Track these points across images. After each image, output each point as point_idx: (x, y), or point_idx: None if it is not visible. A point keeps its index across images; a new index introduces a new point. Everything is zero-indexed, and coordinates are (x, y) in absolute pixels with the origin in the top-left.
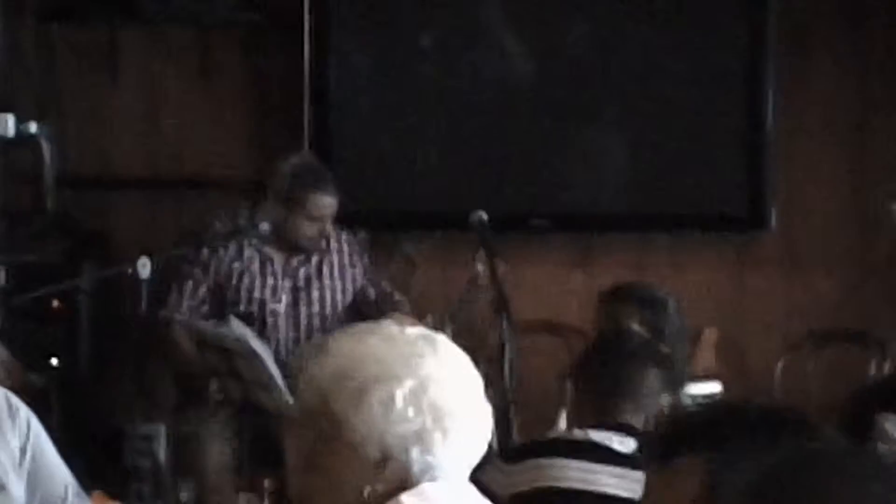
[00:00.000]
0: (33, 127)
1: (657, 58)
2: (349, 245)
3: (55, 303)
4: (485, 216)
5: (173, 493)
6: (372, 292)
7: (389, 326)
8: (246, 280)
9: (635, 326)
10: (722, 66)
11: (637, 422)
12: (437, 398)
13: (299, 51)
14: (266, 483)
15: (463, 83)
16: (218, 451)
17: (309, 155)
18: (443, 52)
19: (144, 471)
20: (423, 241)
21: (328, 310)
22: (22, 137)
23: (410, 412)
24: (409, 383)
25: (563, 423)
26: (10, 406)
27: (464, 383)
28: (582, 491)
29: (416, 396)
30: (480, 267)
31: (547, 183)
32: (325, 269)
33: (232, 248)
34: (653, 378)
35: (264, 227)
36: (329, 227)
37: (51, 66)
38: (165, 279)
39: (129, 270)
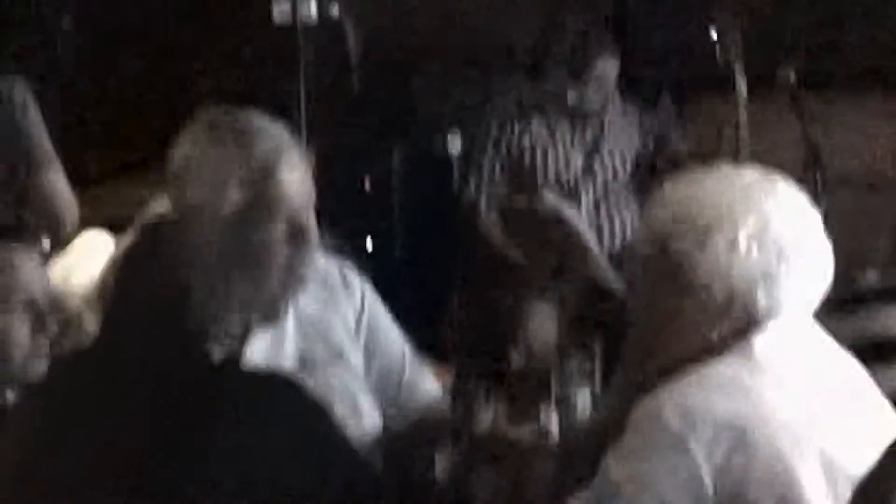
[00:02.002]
0: (335, 9)
1: None
2: (624, 108)
3: (367, 184)
4: (792, 74)
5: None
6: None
7: (724, 169)
8: (539, 152)
9: None
10: None
11: None
12: (780, 237)
13: None
14: (595, 345)
15: None
16: (540, 318)
17: (588, 17)
18: None
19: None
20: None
21: (621, 169)
22: (324, 21)
23: (755, 251)
24: (751, 223)
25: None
26: (343, 277)
27: (804, 221)
28: None
29: (759, 235)
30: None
31: (852, 34)
32: (608, 130)
33: (518, 120)
34: None
35: (571, 98)
36: (612, 91)
37: None
38: (461, 162)
39: (441, 147)
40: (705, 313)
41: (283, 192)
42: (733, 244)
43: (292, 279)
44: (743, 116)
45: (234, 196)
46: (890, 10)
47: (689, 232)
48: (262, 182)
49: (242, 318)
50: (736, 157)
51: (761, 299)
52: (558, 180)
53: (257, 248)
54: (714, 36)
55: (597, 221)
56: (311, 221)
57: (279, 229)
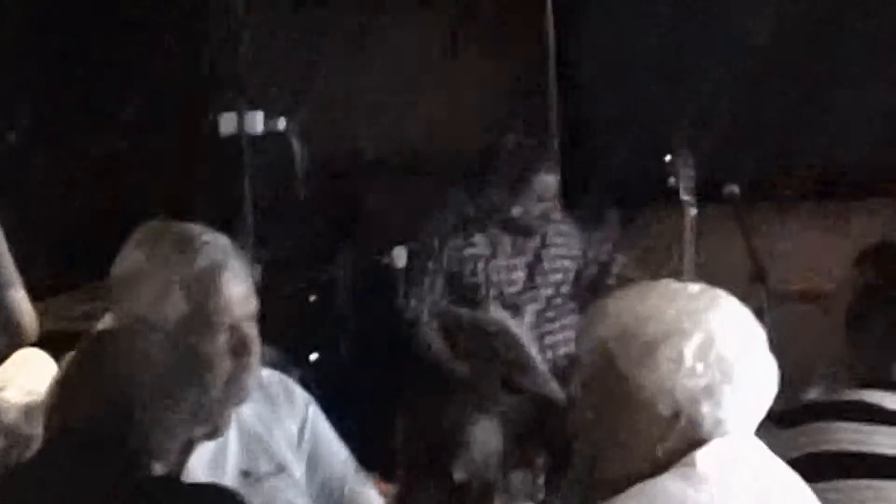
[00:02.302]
0: (281, 123)
1: None
2: (566, 224)
3: (312, 296)
4: (737, 189)
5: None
6: (602, 272)
7: (669, 284)
8: (480, 265)
9: None
10: None
11: None
12: (725, 352)
13: (544, 27)
14: (539, 459)
15: (706, 54)
16: (484, 432)
17: (531, 135)
18: (684, 24)
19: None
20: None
21: (563, 282)
22: (271, 133)
23: (699, 367)
24: (696, 338)
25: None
26: (286, 389)
27: (749, 337)
28: (856, 453)
29: (703, 351)
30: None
31: (799, 149)
32: (550, 243)
33: (461, 235)
34: None
35: (514, 213)
36: (554, 205)
37: (299, 56)
38: (405, 276)
39: (386, 260)
40: (650, 428)
41: (226, 304)
42: (678, 360)
43: (235, 392)
44: (690, 233)
45: (177, 308)
46: (829, 124)
47: (635, 347)
48: (204, 294)
49: (184, 431)
50: (681, 272)
51: (706, 415)
52: (501, 293)
53: (199, 360)
54: (668, 156)
55: (539, 334)
56: (253, 333)
57: (221, 341)
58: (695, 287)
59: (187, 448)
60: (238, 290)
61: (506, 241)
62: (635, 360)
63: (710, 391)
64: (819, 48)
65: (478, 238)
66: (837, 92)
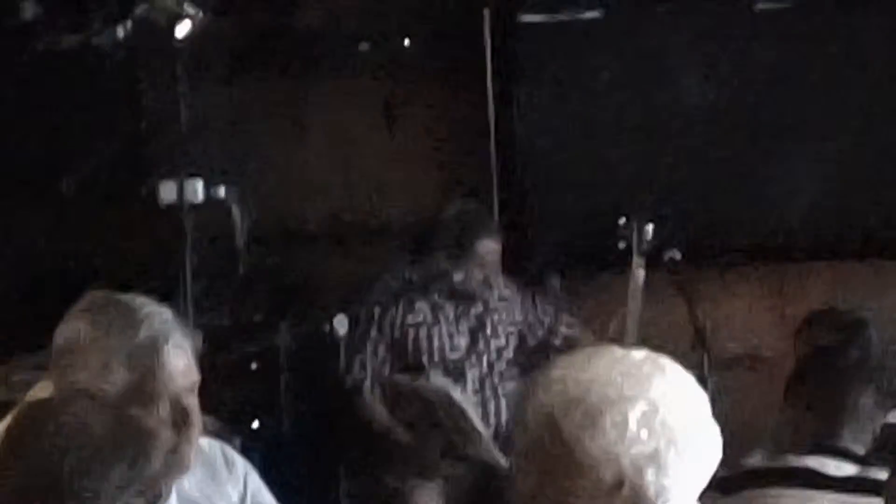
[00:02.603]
0: (222, 191)
1: (846, 80)
2: (509, 289)
3: (253, 364)
4: (678, 254)
5: None
6: (549, 334)
7: (614, 350)
8: (423, 332)
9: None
10: None
11: (854, 445)
12: (669, 419)
13: (483, 97)
14: None
15: (645, 121)
16: (427, 498)
17: (472, 201)
18: (626, 84)
19: None
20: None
21: (506, 347)
22: (211, 202)
23: (643, 434)
24: (640, 405)
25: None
26: (225, 458)
27: (693, 404)
28: None
29: (647, 418)
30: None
31: (738, 216)
32: (493, 309)
33: (403, 302)
34: (869, 398)
35: (456, 279)
36: (496, 270)
37: (238, 124)
38: (347, 344)
39: (327, 328)
40: (594, 496)
41: (168, 377)
42: (622, 427)
43: (176, 463)
44: (637, 297)
45: (118, 379)
46: (767, 191)
47: (578, 414)
48: (146, 366)
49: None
50: (624, 339)
51: (650, 483)
52: (444, 359)
53: (140, 432)
54: (622, 220)
55: (482, 399)
56: (194, 404)
57: (163, 413)
58: (639, 353)
59: None
60: (180, 362)
61: (448, 307)
62: (579, 426)
63: (654, 458)
64: (758, 119)
65: (420, 305)
66: (775, 160)
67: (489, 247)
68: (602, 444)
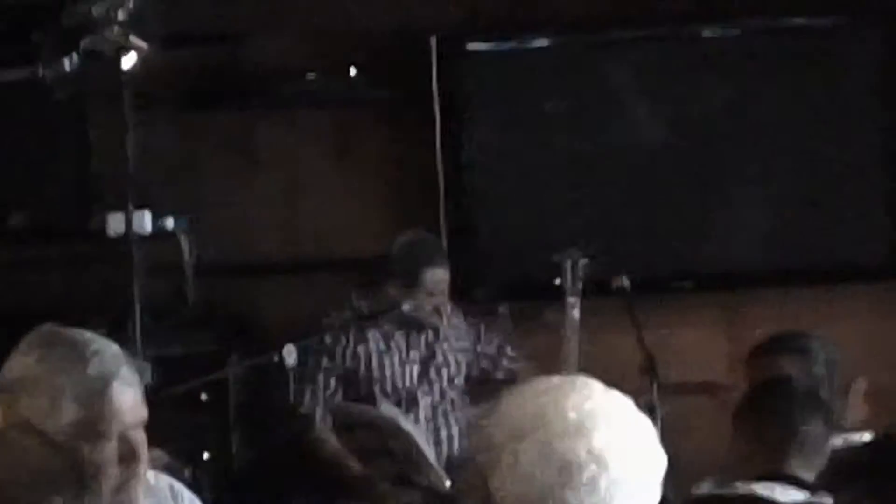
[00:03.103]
0: (170, 222)
1: (791, 111)
2: (457, 318)
3: (203, 395)
4: (627, 282)
5: None
6: (491, 366)
7: (538, 380)
8: (374, 361)
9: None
10: (859, 113)
11: (802, 472)
12: (566, 451)
13: (432, 126)
14: None
15: (597, 149)
16: None
17: (420, 231)
18: (575, 117)
19: None
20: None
21: (456, 375)
22: (160, 232)
23: (536, 471)
24: (532, 439)
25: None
26: (173, 491)
27: (603, 430)
28: None
29: (540, 453)
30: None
31: (687, 244)
32: (443, 338)
33: (353, 331)
34: (817, 425)
35: (406, 308)
36: (445, 299)
37: (187, 157)
38: (297, 374)
39: (277, 359)
40: None
41: (116, 413)
42: (515, 464)
43: (123, 500)
44: (573, 335)
45: (66, 414)
46: (715, 221)
47: (488, 447)
48: (94, 403)
49: None
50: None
51: None
52: (395, 388)
53: (87, 468)
54: (556, 256)
55: (434, 427)
56: (142, 440)
57: (110, 448)
58: (555, 382)
59: None
60: (128, 398)
61: (399, 336)
62: (489, 459)
63: (547, 495)
64: (707, 148)
65: (371, 334)
66: (724, 189)
67: (438, 275)
68: (503, 482)
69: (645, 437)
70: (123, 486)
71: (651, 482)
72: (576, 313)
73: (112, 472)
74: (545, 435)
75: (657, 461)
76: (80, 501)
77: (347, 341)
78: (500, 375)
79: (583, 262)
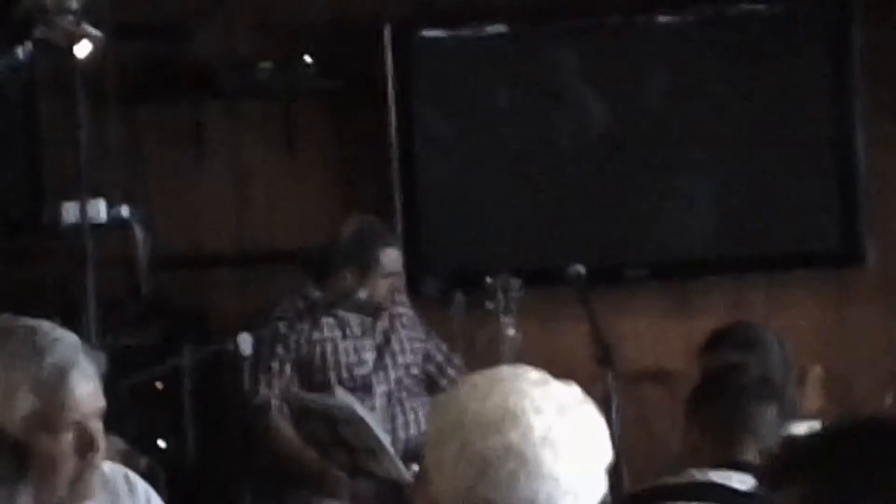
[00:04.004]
0: (125, 211)
1: (741, 98)
2: (411, 308)
3: (158, 385)
4: (582, 269)
5: None
6: (438, 373)
7: (466, 379)
8: (329, 348)
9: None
10: (808, 100)
11: (756, 459)
12: (483, 448)
13: (383, 116)
14: None
15: (547, 138)
16: None
17: (365, 216)
18: (525, 107)
19: None
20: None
21: (412, 361)
22: (114, 222)
23: (458, 468)
24: (453, 440)
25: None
26: (128, 482)
27: (526, 423)
28: None
29: (460, 452)
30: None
31: (639, 233)
32: (398, 322)
33: (308, 319)
34: (771, 413)
35: (361, 294)
36: (401, 282)
37: (136, 148)
38: (252, 363)
39: (231, 347)
40: None
41: (74, 402)
42: (441, 460)
43: (80, 490)
44: (509, 357)
45: (22, 406)
46: (669, 209)
47: (428, 446)
48: (52, 392)
49: None
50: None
51: None
52: (351, 375)
53: (44, 459)
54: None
55: (391, 414)
56: (99, 429)
57: (67, 440)
58: (484, 376)
59: None
60: (85, 388)
61: (354, 322)
62: (427, 459)
63: (470, 491)
64: (660, 135)
65: (325, 321)
66: (677, 175)
67: (393, 255)
68: (436, 476)
69: (583, 428)
70: (79, 477)
71: (589, 473)
72: (511, 331)
73: (69, 464)
74: (464, 434)
75: (597, 451)
76: (37, 494)
77: (302, 329)
78: (443, 383)
79: (514, 282)
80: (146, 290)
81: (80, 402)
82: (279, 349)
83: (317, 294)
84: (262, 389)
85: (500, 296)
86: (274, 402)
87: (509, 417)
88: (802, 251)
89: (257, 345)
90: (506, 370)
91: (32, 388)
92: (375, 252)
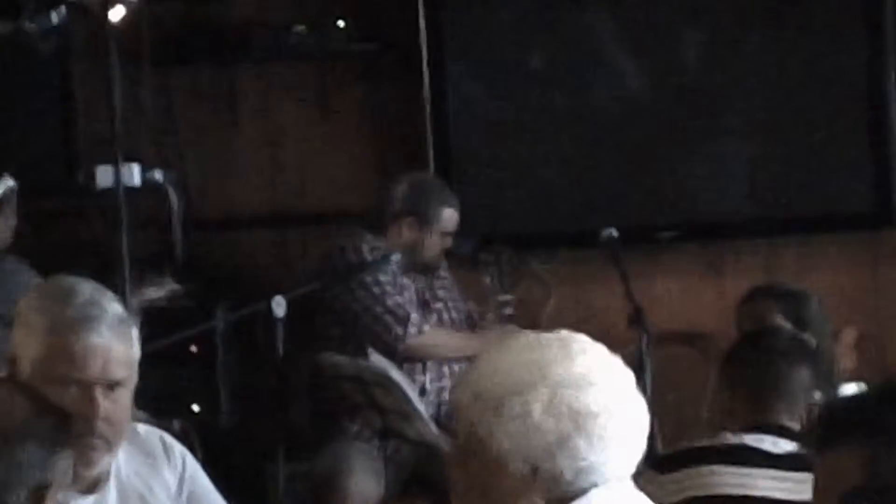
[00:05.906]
0: (158, 174)
1: (775, 61)
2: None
3: (192, 347)
4: (615, 233)
5: None
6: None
7: (524, 336)
8: (376, 306)
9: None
10: (841, 62)
11: (790, 422)
12: (574, 401)
13: (417, 78)
14: (422, 502)
15: (581, 101)
16: (362, 482)
17: (423, 173)
18: (559, 70)
19: None
20: (552, 261)
21: (454, 321)
22: (148, 185)
23: (548, 420)
24: (542, 391)
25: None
26: (164, 444)
27: (605, 382)
28: (739, 496)
29: (550, 403)
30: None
31: (672, 195)
32: (442, 282)
33: (352, 280)
34: (805, 375)
35: (396, 257)
36: (449, 243)
37: (170, 111)
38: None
39: (265, 309)
40: (514, 485)
41: (77, 359)
42: (524, 416)
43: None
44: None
45: (33, 349)
46: (702, 171)
47: (486, 406)
48: (58, 340)
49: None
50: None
51: (565, 468)
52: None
53: (58, 412)
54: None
55: (434, 377)
56: (99, 399)
57: (70, 395)
58: (549, 336)
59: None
60: (96, 351)
61: (405, 279)
62: (487, 419)
63: (563, 443)
64: (693, 97)
65: (370, 279)
66: (710, 137)
67: (453, 216)
68: (508, 436)
69: (634, 389)
70: (77, 443)
71: (641, 432)
72: (508, 310)
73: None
74: (554, 386)
75: (644, 412)
76: (51, 446)
77: (345, 289)
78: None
79: (506, 255)
80: (180, 252)
81: (84, 361)
82: (386, 287)
83: (364, 251)
84: (298, 350)
85: (494, 270)
86: (307, 364)
87: (593, 374)
88: (835, 213)
89: (294, 306)
90: (562, 333)
91: (47, 331)
92: (439, 207)
